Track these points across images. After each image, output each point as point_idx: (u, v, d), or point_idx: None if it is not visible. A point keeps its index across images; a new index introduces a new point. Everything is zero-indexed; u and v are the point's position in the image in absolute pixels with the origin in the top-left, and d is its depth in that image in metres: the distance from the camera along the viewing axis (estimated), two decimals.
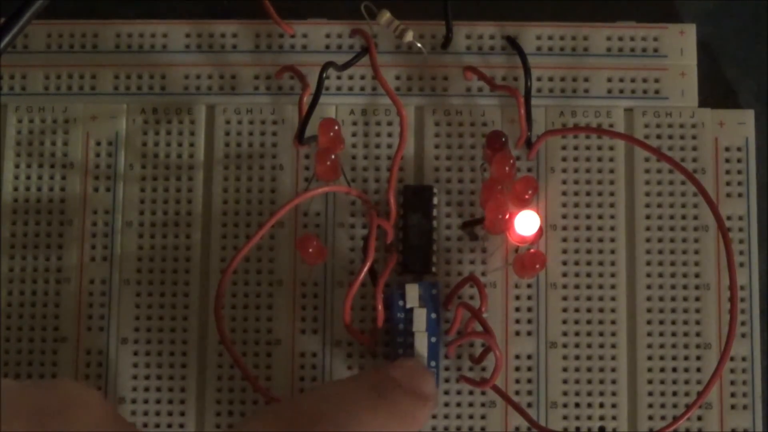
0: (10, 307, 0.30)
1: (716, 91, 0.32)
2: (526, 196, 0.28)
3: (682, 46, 0.31)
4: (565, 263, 0.30)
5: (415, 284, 0.28)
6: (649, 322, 0.29)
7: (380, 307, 0.28)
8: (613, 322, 0.29)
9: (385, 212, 0.29)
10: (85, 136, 0.31)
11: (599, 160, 0.30)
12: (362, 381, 0.25)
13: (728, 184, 0.30)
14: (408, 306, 0.28)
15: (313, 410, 0.24)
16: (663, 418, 0.29)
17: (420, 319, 0.28)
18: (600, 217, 0.30)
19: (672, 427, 0.27)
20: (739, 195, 0.30)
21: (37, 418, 0.19)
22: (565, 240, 0.30)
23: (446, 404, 0.29)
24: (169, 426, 0.29)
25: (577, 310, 0.30)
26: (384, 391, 0.25)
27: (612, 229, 0.30)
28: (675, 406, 0.29)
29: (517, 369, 0.29)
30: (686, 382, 0.29)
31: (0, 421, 0.19)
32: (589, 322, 0.29)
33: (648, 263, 0.30)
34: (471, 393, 0.29)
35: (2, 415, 0.19)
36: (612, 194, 0.30)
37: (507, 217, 0.28)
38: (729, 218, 0.30)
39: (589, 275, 0.30)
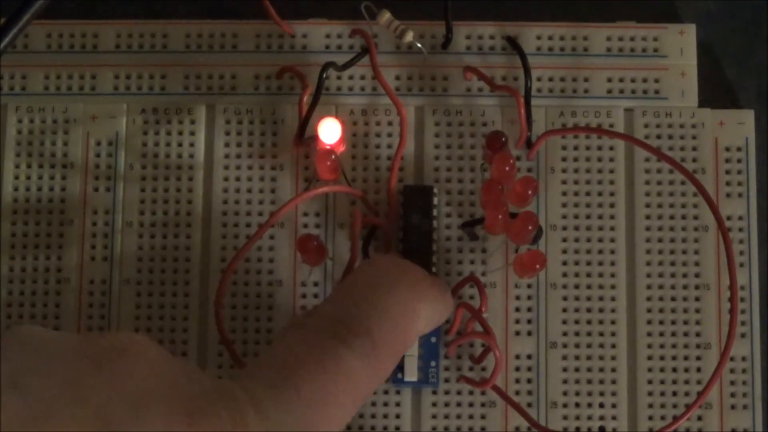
0: (10, 307, 0.30)
1: (716, 91, 0.32)
2: (526, 196, 0.28)
3: (682, 46, 0.31)
4: (565, 263, 0.30)
5: None
6: (649, 322, 0.29)
7: None
8: (613, 322, 0.29)
9: (385, 212, 0.29)
10: (85, 136, 0.31)
11: (599, 160, 0.30)
12: (384, 266, 0.26)
13: (728, 184, 0.30)
14: None
15: (372, 281, 0.25)
16: (663, 418, 0.29)
17: None
18: (600, 217, 0.30)
19: (672, 427, 0.27)
20: (739, 195, 0.30)
21: (95, 361, 0.20)
22: (565, 240, 0.30)
23: (446, 404, 0.29)
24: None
25: (577, 310, 0.30)
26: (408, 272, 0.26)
27: (612, 229, 0.30)
28: (675, 406, 0.29)
29: (517, 369, 0.29)
30: (686, 382, 0.29)
31: (62, 365, 0.20)
32: (589, 322, 0.29)
33: (648, 263, 0.30)
34: (471, 393, 0.29)
35: (63, 361, 0.20)
36: (612, 194, 0.30)
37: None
38: (729, 218, 0.30)
39: (589, 275, 0.30)
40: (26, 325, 0.22)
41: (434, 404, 0.29)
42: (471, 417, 0.29)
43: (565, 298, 0.30)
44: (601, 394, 0.29)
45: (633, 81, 0.31)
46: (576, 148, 0.30)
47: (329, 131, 0.29)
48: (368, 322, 0.24)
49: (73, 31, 0.31)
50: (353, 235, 0.28)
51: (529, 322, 0.30)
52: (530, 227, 0.28)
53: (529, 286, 0.30)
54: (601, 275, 0.30)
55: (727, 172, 0.30)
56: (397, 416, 0.29)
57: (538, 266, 0.28)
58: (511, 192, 0.29)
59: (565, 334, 0.29)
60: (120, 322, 0.29)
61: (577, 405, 0.29)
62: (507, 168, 0.28)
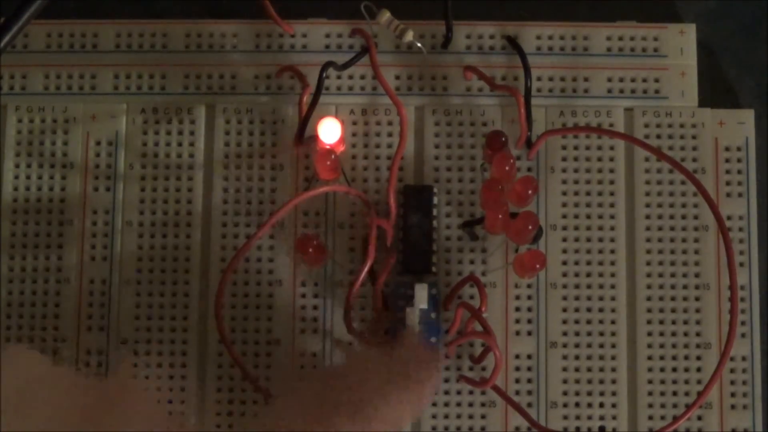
0: (10, 307, 0.30)
1: (716, 91, 0.32)
2: (526, 196, 0.28)
3: (682, 46, 0.31)
4: (565, 263, 0.30)
5: (425, 284, 0.28)
6: (649, 322, 0.29)
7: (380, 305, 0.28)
8: (613, 322, 0.29)
9: (385, 212, 0.29)
10: (85, 136, 0.31)
11: (599, 160, 0.30)
12: (372, 371, 0.26)
13: (728, 184, 0.30)
14: (419, 307, 0.28)
15: (333, 397, 0.25)
16: (663, 418, 0.29)
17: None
18: (600, 217, 0.30)
19: (672, 427, 0.27)
20: (739, 195, 0.30)
21: (91, 413, 0.21)
22: (565, 240, 0.30)
23: (446, 404, 0.29)
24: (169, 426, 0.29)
25: (577, 310, 0.30)
26: (394, 378, 0.26)
27: (612, 229, 0.30)
28: (675, 406, 0.29)
29: (517, 369, 0.29)
30: (686, 382, 0.29)
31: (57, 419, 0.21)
32: (589, 322, 0.29)
33: (648, 263, 0.30)
34: (471, 393, 0.29)
35: (57, 412, 0.21)
36: (612, 194, 0.30)
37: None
38: (729, 218, 0.30)
39: (589, 275, 0.30)
40: (21, 352, 0.22)
41: (434, 404, 0.29)
42: (471, 417, 0.29)
43: (565, 298, 0.30)
44: (601, 394, 0.29)
45: (633, 81, 0.31)
46: (576, 148, 0.30)
47: (329, 131, 0.29)
48: (368, 404, 0.24)
49: (73, 31, 0.31)
50: (370, 242, 0.28)
51: (529, 322, 0.30)
52: (530, 227, 0.28)
53: (529, 286, 0.30)
54: (601, 275, 0.30)
55: (727, 172, 0.30)
56: None
57: (538, 266, 0.28)
58: (511, 192, 0.29)
59: (565, 334, 0.29)
60: (120, 322, 0.29)
61: (577, 405, 0.29)
62: (507, 168, 0.28)
